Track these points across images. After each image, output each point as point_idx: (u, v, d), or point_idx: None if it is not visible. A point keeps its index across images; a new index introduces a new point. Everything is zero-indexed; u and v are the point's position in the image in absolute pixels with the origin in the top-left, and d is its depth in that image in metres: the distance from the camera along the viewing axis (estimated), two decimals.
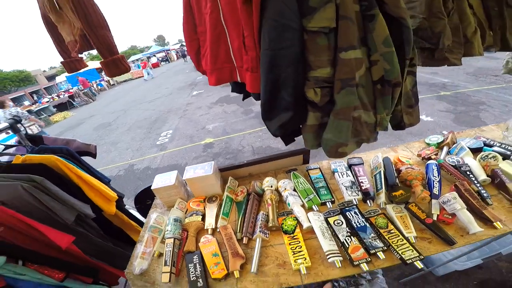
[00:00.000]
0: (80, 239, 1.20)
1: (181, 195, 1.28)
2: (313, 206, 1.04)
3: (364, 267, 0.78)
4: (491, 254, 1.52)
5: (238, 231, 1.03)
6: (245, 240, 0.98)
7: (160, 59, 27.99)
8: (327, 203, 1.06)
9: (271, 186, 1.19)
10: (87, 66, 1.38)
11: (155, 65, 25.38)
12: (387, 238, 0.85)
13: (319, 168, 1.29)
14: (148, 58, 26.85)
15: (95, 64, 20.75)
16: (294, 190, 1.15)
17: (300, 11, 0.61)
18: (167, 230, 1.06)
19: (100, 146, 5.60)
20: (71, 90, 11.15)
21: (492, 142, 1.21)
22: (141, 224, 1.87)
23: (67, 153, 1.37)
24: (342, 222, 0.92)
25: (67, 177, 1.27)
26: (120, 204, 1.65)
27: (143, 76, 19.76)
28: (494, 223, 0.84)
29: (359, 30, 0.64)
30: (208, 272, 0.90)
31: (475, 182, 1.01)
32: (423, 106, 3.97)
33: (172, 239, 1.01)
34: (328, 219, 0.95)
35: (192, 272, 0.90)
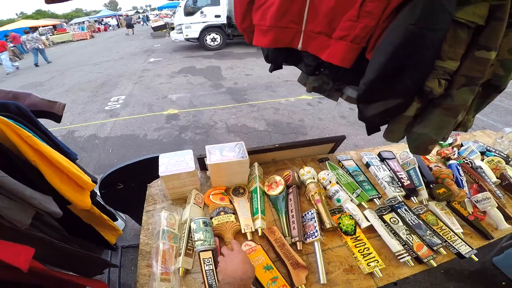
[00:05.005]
0: (35, 246, 0.77)
1: (198, 185, 1.02)
2: (362, 203, 0.98)
3: (432, 263, 0.80)
4: None
5: (286, 234, 0.87)
6: (299, 246, 0.83)
7: (110, 24, 24.36)
8: (374, 199, 1.02)
9: (313, 178, 1.05)
10: None
11: (104, 29, 22.01)
12: (441, 234, 0.89)
13: (352, 159, 1.23)
14: (96, 22, 23.10)
15: (29, 23, 17.52)
16: (337, 183, 1.05)
17: None
18: (199, 240, 0.80)
19: None
20: None
21: (488, 147, 1.37)
22: (111, 217, 1.47)
23: (18, 112, 0.95)
24: (398, 220, 0.91)
25: (19, 152, 0.86)
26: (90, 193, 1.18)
27: (86, 39, 16.51)
28: None
29: None
30: None
31: (490, 183, 1.13)
32: None
33: (210, 252, 0.78)
34: (383, 216, 0.92)
35: None
